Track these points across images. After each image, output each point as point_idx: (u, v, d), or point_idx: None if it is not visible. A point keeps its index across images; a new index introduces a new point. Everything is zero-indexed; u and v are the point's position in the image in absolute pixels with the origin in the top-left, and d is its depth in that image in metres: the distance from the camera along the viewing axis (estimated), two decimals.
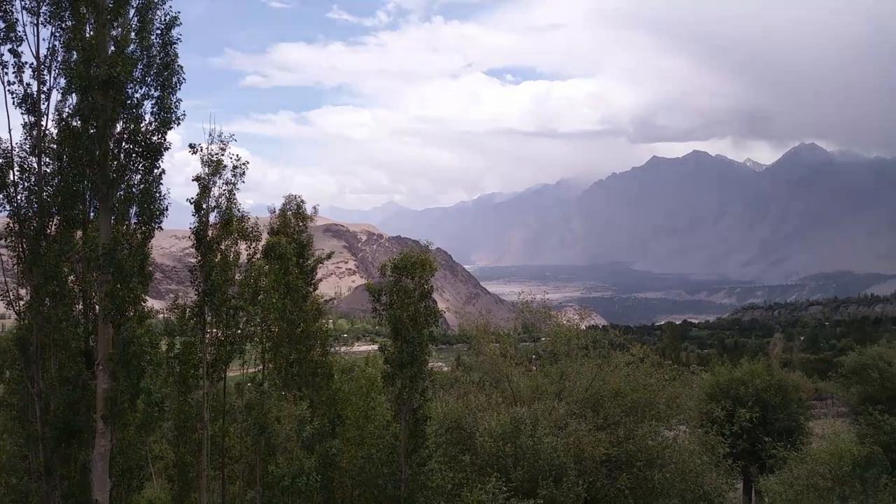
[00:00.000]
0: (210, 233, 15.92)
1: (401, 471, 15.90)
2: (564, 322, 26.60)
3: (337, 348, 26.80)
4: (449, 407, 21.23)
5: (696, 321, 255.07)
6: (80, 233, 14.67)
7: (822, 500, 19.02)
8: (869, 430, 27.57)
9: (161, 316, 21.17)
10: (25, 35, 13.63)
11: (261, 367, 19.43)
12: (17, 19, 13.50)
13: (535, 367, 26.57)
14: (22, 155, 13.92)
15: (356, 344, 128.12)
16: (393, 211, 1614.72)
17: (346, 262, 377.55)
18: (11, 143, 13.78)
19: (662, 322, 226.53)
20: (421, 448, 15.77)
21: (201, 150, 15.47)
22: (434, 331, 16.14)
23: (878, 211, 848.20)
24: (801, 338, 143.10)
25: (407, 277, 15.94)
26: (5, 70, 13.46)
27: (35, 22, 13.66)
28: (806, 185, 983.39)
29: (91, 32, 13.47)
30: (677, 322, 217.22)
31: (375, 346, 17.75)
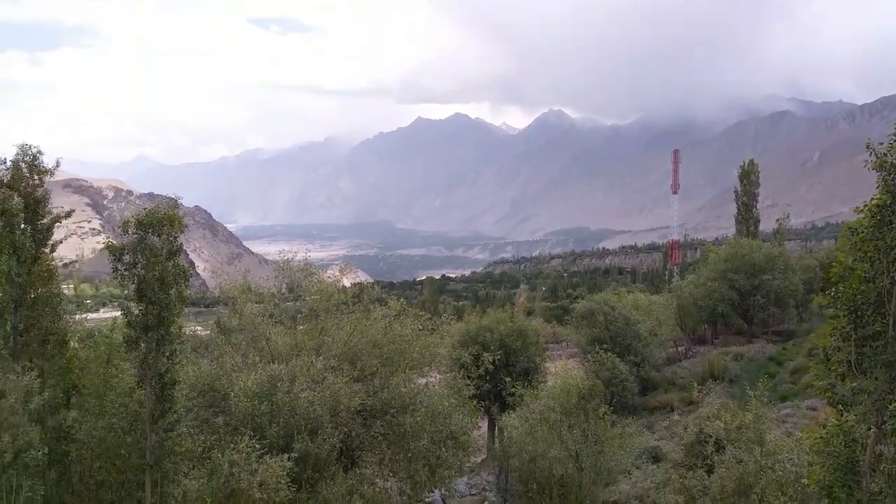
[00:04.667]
0: None
1: (146, 438, 15.31)
2: (327, 279, 27.05)
3: (77, 315, 24.57)
4: (202, 369, 20.72)
5: (454, 275, 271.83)
6: None
7: (553, 430, 21.62)
8: (594, 366, 32.11)
9: None
10: None
11: None
12: None
13: (301, 326, 26.74)
14: None
15: (102, 310, 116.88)
16: (145, 165, 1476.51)
17: (90, 222, 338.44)
18: None
19: (423, 277, 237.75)
20: (168, 413, 15.25)
21: None
22: (184, 291, 15.57)
23: (611, 173, 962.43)
24: (543, 288, 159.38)
25: (153, 234, 15.14)
26: None
27: None
28: (552, 148, 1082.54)
29: None
30: (436, 276, 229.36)
31: (121, 312, 16.64)
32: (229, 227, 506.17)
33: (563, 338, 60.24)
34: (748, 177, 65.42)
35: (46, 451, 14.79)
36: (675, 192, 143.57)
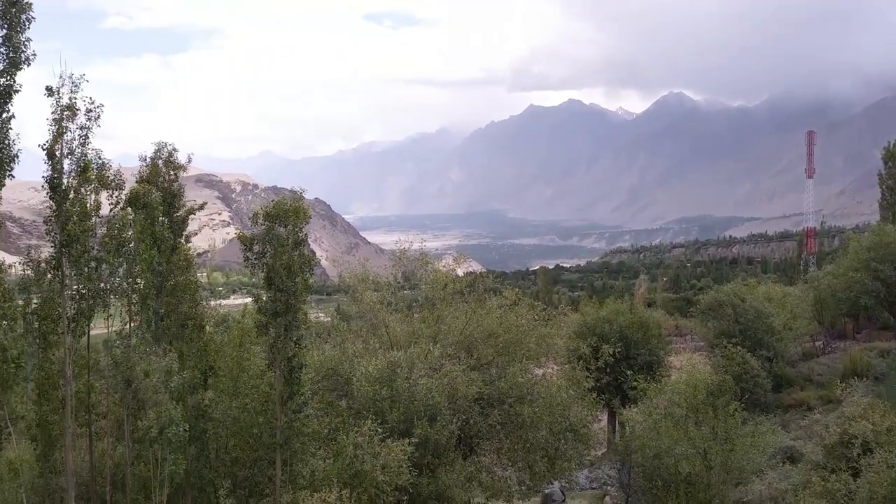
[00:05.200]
0: (66, 181, 15.04)
1: (276, 419, 16.03)
2: (442, 269, 27.31)
3: (210, 301, 26.14)
4: (326, 354, 21.45)
5: (568, 265, 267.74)
6: None
7: (678, 426, 20.73)
8: (722, 361, 30.43)
9: (17, 271, 19.82)
10: None
11: (128, 322, 18.71)
12: None
13: (415, 314, 27.19)
14: None
15: (232, 297, 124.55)
16: (269, 160, 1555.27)
17: (220, 214, 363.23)
18: None
19: (536, 267, 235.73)
20: (297, 395, 15.92)
21: (56, 93, 14.47)
22: (309, 279, 16.16)
23: (737, 157, 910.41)
24: (665, 278, 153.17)
25: (280, 225, 15.79)
26: None
27: None
28: (673, 132, 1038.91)
29: None
30: (550, 266, 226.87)
31: (251, 298, 17.65)
32: (347, 217, 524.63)
33: (686, 331, 57.79)
34: (894, 158, 59.71)
35: (187, 427, 15.84)
36: (810, 177, 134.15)
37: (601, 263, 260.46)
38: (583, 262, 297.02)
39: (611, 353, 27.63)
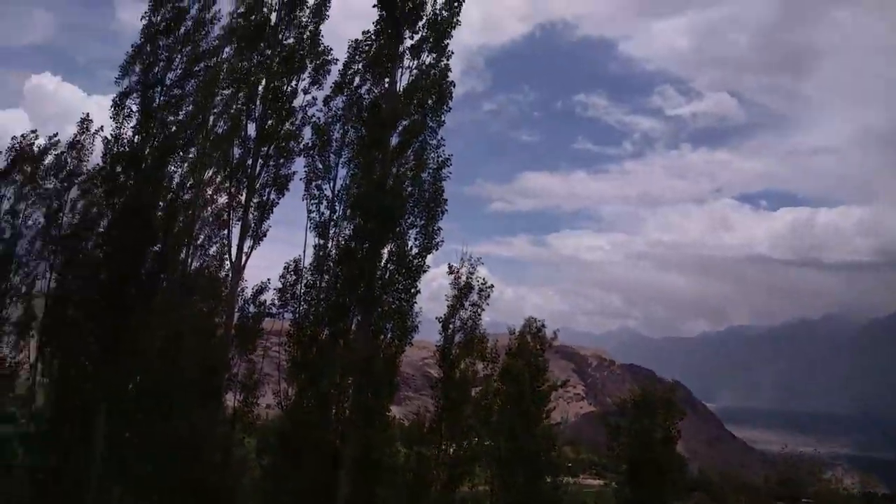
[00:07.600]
0: (454, 351, 16.66)
1: None
2: (832, 486, 22.96)
3: (563, 479, 25.75)
4: None
5: None
6: (341, 342, 16.18)
7: None
8: None
9: (398, 422, 22.28)
10: (335, 175, 16.41)
11: (486, 486, 19.25)
12: (334, 164, 16.35)
13: None
14: (308, 273, 16.17)
15: (581, 475, 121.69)
16: (626, 336, 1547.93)
17: (575, 387, 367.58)
18: (303, 263, 16.18)
19: None
20: None
21: (456, 273, 16.58)
22: (679, 480, 14.78)
23: None
24: None
25: (647, 417, 15.01)
26: (312, 201, 16.25)
27: (336, 162, 16.38)
28: None
29: (377, 170, 15.57)
30: None
31: (601, 481, 16.81)
32: (709, 406, 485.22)
33: None
34: None
35: None
36: None
37: None
38: None
39: None
